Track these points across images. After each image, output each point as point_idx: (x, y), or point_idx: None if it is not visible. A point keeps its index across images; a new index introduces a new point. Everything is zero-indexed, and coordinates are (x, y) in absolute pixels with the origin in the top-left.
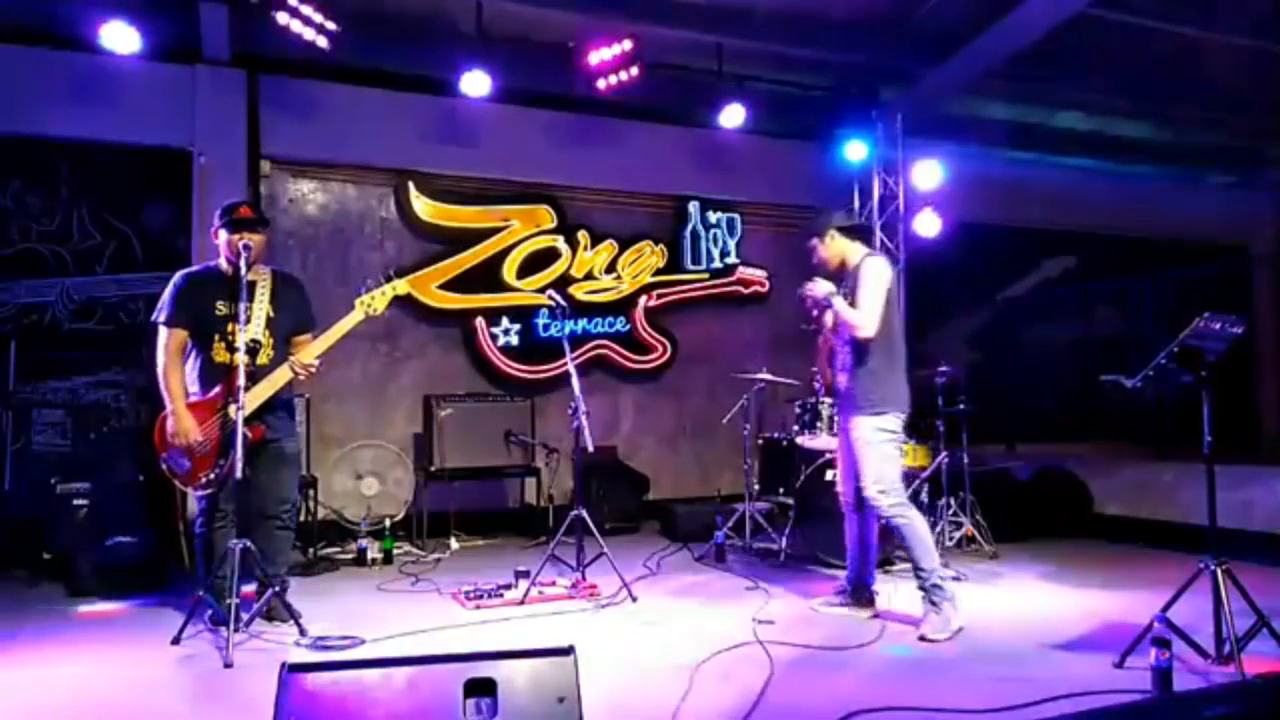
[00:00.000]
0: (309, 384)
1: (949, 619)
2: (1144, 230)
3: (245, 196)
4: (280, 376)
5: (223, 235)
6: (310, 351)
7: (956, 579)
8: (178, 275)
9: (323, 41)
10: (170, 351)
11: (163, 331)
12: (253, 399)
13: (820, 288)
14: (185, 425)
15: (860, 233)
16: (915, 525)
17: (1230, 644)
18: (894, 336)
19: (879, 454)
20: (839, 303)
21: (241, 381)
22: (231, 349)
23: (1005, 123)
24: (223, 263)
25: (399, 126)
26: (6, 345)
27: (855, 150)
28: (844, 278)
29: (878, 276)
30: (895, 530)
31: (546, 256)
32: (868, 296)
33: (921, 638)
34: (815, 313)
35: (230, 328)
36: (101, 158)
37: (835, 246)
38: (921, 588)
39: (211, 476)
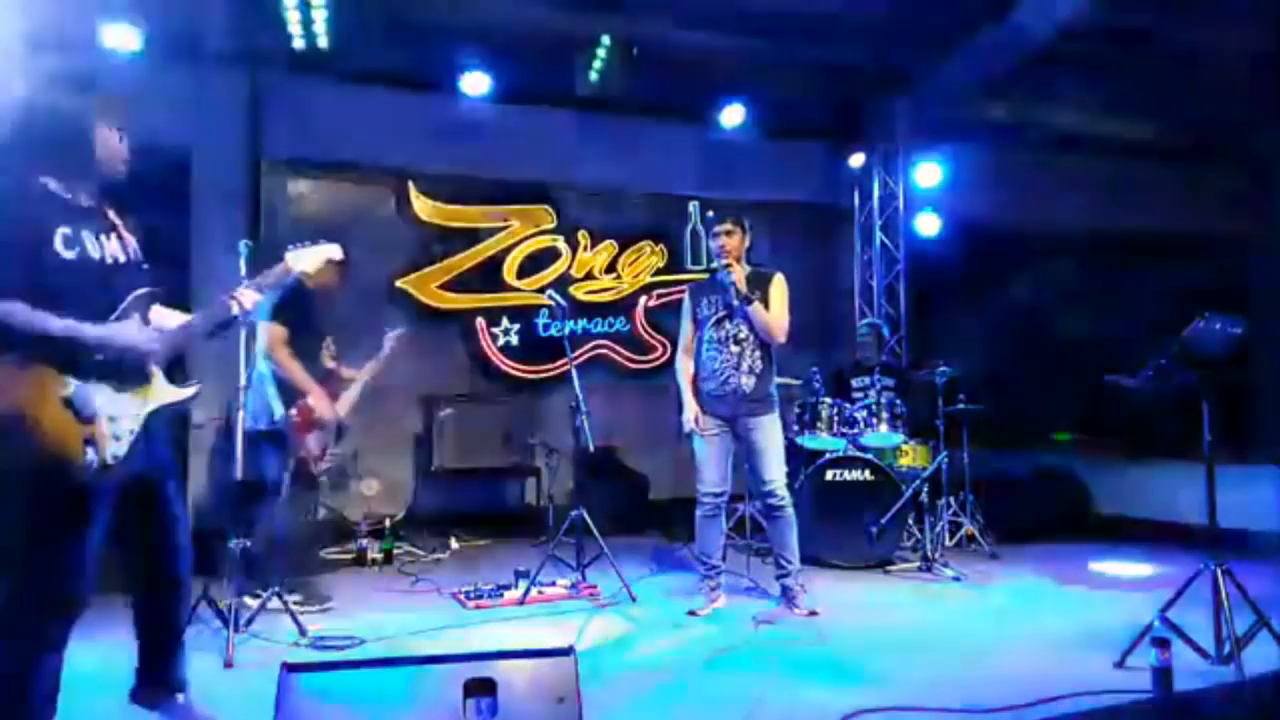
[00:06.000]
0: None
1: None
2: (1144, 229)
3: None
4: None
5: None
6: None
7: (957, 579)
8: None
9: (323, 41)
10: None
11: (278, 331)
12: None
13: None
14: (327, 404)
15: None
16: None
17: (1230, 644)
18: None
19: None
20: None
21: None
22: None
23: (1005, 123)
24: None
25: (399, 126)
26: None
27: (856, 160)
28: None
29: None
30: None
31: (546, 256)
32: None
33: (691, 613)
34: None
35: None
36: None
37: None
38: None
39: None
